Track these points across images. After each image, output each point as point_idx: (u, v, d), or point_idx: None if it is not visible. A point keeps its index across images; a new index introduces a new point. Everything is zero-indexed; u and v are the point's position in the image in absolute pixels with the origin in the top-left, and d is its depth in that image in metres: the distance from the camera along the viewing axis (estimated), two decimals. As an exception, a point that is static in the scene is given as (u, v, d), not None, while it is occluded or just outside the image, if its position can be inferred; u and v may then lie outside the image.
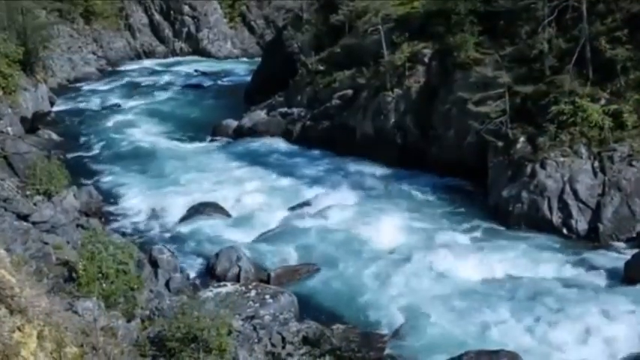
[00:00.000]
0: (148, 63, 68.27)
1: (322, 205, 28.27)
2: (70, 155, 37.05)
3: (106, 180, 33.66)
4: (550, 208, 24.65)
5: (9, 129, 36.17)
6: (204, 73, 62.01)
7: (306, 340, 17.77)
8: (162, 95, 53.64)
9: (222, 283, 21.21)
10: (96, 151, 39.24)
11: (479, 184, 28.09)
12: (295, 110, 39.47)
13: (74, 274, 17.29)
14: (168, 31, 72.97)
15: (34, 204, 25.17)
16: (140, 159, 36.95)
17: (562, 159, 25.10)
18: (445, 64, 31.67)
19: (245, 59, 69.16)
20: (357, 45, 37.17)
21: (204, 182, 32.13)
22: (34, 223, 22.84)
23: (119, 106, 50.13)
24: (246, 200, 29.54)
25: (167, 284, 20.93)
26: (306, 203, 28.87)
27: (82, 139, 41.53)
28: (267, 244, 25.11)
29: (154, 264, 21.76)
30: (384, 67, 34.15)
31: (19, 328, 8.84)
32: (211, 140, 40.36)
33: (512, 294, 20.42)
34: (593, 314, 18.83)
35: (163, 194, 30.64)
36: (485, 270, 22.12)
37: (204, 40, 71.73)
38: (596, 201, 24.19)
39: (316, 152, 35.84)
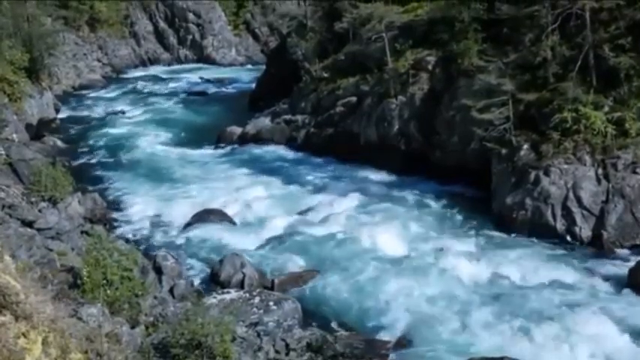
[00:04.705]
0: (152, 70, 68.69)
1: (326, 211, 28.35)
2: (74, 162, 37.23)
3: (111, 186, 33.78)
4: (554, 215, 24.66)
5: (14, 136, 36.34)
6: (208, 81, 62.30)
7: (309, 347, 17.77)
8: (166, 102, 53.87)
9: (226, 290, 21.18)
10: (100, 157, 39.36)
11: (482, 191, 28.07)
12: (299, 117, 39.57)
13: (79, 281, 17.36)
14: (172, 39, 73.39)
15: (39, 210, 25.26)
16: (144, 166, 37.12)
17: (566, 166, 25.11)
18: (449, 71, 31.74)
19: (249, 66, 69.53)
20: (360, 52, 37.29)
21: (209, 189, 32.19)
22: (38, 230, 22.86)
23: (124, 113, 50.33)
24: (251, 207, 29.57)
25: (171, 290, 20.93)
26: (310, 210, 28.93)
27: (87, 146, 41.69)
28: (271, 250, 25.15)
29: (159, 270, 21.76)
30: (387, 74, 34.28)
31: (24, 335, 8.87)
32: (216, 147, 40.47)
33: (515, 301, 20.37)
34: (596, 321, 18.78)
35: (168, 201, 30.73)
36: (488, 277, 22.12)
37: (209, 48, 72.13)
38: (599, 208, 24.19)
39: (320, 159, 35.91)
